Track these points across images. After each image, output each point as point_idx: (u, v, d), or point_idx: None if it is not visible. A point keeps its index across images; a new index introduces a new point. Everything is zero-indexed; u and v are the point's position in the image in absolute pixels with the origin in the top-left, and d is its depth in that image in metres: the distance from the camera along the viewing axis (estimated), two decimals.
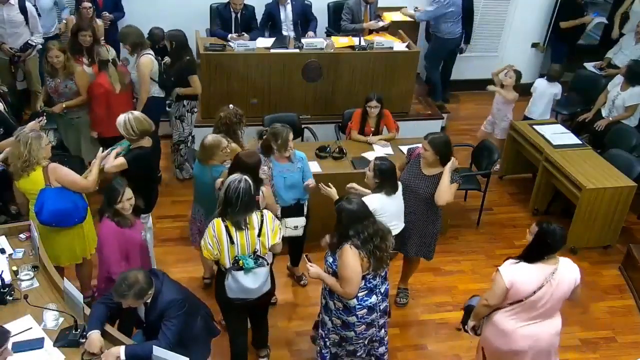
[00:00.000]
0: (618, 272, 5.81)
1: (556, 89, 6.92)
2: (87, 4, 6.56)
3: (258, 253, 3.91)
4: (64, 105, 5.65)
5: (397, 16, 7.82)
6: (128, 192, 4.02)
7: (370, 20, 7.42)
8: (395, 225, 4.45)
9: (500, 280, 3.67)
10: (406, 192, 4.59)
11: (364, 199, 4.13)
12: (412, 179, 4.63)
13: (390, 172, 4.35)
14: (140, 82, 5.88)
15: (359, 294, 3.82)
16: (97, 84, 5.64)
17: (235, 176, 3.85)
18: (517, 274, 3.66)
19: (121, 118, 4.62)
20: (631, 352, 4.90)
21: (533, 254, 3.71)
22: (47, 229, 4.33)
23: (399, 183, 4.49)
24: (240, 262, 3.84)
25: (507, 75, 6.66)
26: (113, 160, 4.58)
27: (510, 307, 3.73)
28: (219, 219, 3.84)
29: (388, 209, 4.32)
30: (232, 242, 3.82)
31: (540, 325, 3.77)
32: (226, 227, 3.81)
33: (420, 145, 4.67)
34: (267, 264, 3.99)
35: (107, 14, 7.01)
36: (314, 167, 5.52)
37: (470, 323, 4.00)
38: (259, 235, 3.89)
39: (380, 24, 7.44)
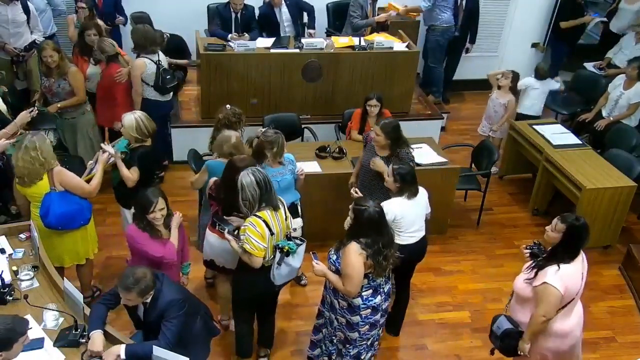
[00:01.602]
0: (618, 272, 5.81)
1: (550, 85, 7.00)
2: (81, 4, 6.57)
3: (289, 235, 4.07)
4: (58, 105, 5.67)
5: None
6: (161, 203, 3.95)
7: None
8: (414, 233, 4.46)
9: (555, 291, 3.59)
10: (367, 172, 4.90)
11: (385, 203, 4.20)
12: (370, 160, 4.82)
13: (410, 175, 4.37)
14: (132, 79, 5.95)
15: (364, 293, 3.84)
16: (113, 74, 5.76)
17: (249, 170, 3.92)
18: (566, 279, 3.61)
19: (131, 120, 4.59)
20: (631, 352, 4.90)
21: (571, 253, 3.66)
22: (51, 231, 4.34)
23: (421, 188, 4.49)
24: (286, 247, 3.96)
25: (504, 76, 6.70)
26: (128, 173, 4.58)
27: (563, 311, 3.71)
28: (255, 217, 3.89)
29: (408, 214, 4.35)
30: (272, 233, 3.92)
31: (579, 307, 3.85)
32: (264, 221, 3.89)
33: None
34: (302, 242, 4.11)
35: (120, 18, 7.06)
36: (314, 167, 5.52)
37: (527, 346, 3.80)
38: (286, 219, 4.04)
39: (393, 14, 7.49)
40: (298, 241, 4.09)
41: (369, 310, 3.90)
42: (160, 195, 3.97)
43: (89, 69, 5.99)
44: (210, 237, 4.41)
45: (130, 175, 4.60)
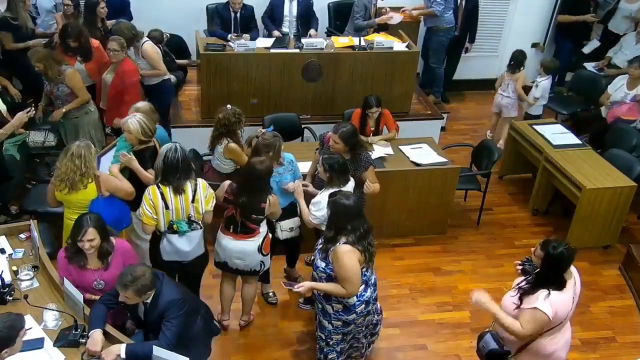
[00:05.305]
0: (618, 272, 5.81)
1: (549, 80, 7.10)
2: (67, 1, 6.57)
3: (192, 218, 4.18)
4: (63, 110, 5.64)
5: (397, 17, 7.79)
6: (91, 233, 3.68)
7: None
8: None
9: (543, 316, 3.57)
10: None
11: (319, 195, 4.36)
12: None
13: (338, 164, 4.44)
14: (154, 63, 6.14)
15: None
16: (131, 72, 5.79)
17: (170, 145, 4.09)
18: (555, 304, 3.59)
19: (135, 124, 4.53)
20: (631, 352, 4.90)
21: (556, 283, 3.62)
22: None
23: (351, 178, 4.58)
24: (175, 226, 4.13)
25: None
26: (148, 174, 4.50)
27: (549, 332, 3.70)
28: (154, 187, 4.07)
29: None
30: (167, 207, 4.08)
31: (566, 329, 3.83)
32: (161, 193, 4.04)
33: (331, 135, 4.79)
34: (200, 228, 4.24)
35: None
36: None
37: None
38: (192, 202, 4.14)
39: (395, 20, 7.44)
40: (197, 226, 4.18)
41: (363, 306, 3.97)
42: (95, 226, 3.70)
43: (75, 65, 5.94)
44: (223, 239, 4.44)
45: (151, 175, 4.59)
